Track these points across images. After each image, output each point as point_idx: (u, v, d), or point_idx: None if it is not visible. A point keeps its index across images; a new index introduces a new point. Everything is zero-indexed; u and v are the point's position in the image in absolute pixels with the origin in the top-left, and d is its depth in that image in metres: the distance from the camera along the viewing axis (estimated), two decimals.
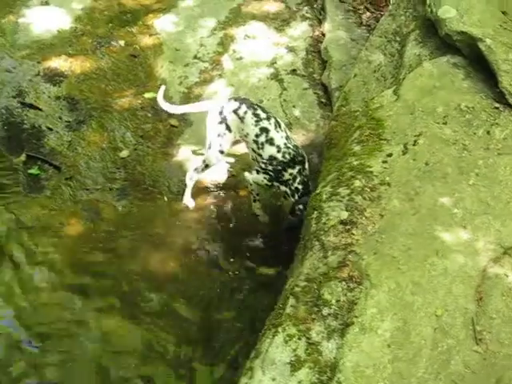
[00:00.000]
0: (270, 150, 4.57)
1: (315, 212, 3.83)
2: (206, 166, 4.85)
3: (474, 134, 4.20)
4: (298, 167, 4.57)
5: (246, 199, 4.99)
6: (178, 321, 4.20)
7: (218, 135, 4.74)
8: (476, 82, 4.54)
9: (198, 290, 4.43)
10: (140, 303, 4.27)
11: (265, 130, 4.59)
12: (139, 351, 4.00)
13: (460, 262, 3.47)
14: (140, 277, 4.44)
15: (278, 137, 4.58)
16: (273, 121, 4.64)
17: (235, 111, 4.68)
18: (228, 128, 4.71)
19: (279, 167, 4.55)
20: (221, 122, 4.72)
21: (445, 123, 4.26)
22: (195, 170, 4.87)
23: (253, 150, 4.70)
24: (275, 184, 4.65)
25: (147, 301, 4.30)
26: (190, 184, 4.91)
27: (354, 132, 4.41)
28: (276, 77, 6.11)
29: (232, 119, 4.69)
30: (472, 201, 3.77)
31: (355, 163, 4.04)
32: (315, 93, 6.03)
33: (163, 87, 5.06)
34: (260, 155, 4.66)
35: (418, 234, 3.58)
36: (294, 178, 4.56)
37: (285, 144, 4.55)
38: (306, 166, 4.65)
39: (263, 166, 4.62)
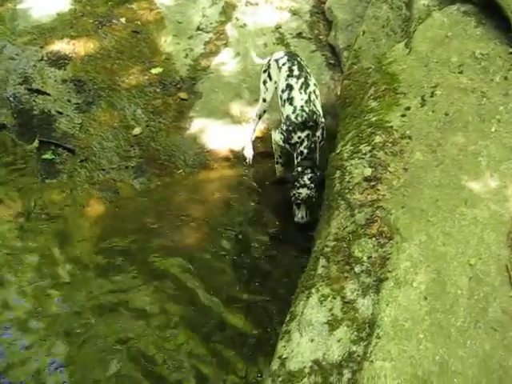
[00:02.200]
0: (288, 110, 4.52)
1: (338, 171, 3.79)
2: (258, 116, 5.01)
3: (492, 80, 4.13)
4: (307, 132, 4.47)
5: (268, 168, 4.96)
6: (206, 292, 4.18)
7: (263, 82, 4.88)
8: (489, 28, 4.46)
9: (221, 262, 4.39)
10: (167, 279, 4.23)
11: (289, 87, 4.56)
12: (171, 324, 3.99)
13: (490, 210, 3.43)
14: (165, 252, 4.40)
15: (298, 98, 4.51)
16: (301, 81, 4.57)
17: (277, 60, 4.75)
18: (269, 76, 4.81)
19: (290, 128, 4.48)
20: (265, 71, 4.87)
21: (461, 72, 4.19)
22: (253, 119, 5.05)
23: (280, 105, 4.67)
24: (286, 146, 4.58)
25: (174, 276, 4.25)
26: (249, 133, 5.06)
27: (368, 89, 4.35)
28: (282, 41, 6.03)
29: (273, 67, 4.78)
30: (496, 147, 3.72)
31: (374, 119, 3.99)
32: (323, 54, 5.95)
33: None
34: (282, 113, 4.64)
35: (445, 185, 3.54)
36: (301, 142, 4.48)
37: (301, 107, 4.47)
38: (319, 133, 4.52)
39: (283, 126, 4.55)
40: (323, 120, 4.55)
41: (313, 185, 4.38)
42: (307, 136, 4.46)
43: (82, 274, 4.30)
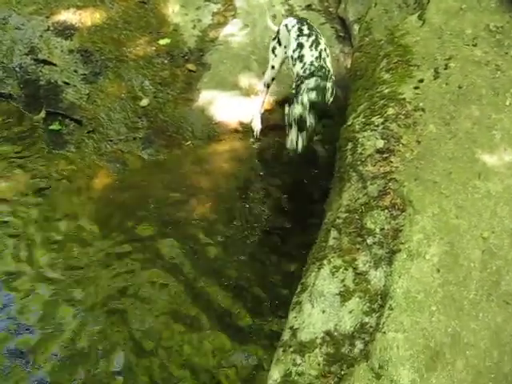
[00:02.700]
0: (298, 67, 4.51)
1: (349, 143, 3.75)
2: (266, 85, 4.96)
3: (506, 53, 4.07)
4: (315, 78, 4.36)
5: (276, 141, 4.93)
6: (217, 262, 4.18)
7: (271, 50, 4.88)
8: (503, 1, 4.38)
9: (230, 233, 4.39)
10: (179, 250, 4.23)
11: (300, 46, 4.56)
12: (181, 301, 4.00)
13: (503, 184, 3.39)
14: (174, 223, 4.39)
15: (309, 55, 4.50)
16: (312, 38, 4.57)
17: (286, 25, 4.75)
18: (279, 41, 4.80)
19: (298, 83, 4.41)
20: (274, 38, 4.85)
21: (475, 45, 4.13)
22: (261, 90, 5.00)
23: (292, 66, 4.64)
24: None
25: (183, 246, 4.24)
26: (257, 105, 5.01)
27: (381, 61, 4.28)
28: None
29: (283, 33, 4.77)
30: (510, 121, 3.67)
31: (386, 91, 3.93)
32: (332, 27, 5.88)
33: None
34: (293, 74, 4.61)
35: (458, 158, 3.50)
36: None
37: (311, 62, 4.45)
38: (329, 84, 4.38)
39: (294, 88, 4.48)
40: (333, 77, 4.50)
41: (310, 108, 4.18)
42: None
43: (87, 246, 4.28)
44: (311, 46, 4.54)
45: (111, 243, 4.31)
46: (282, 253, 4.30)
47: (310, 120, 4.23)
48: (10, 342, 3.66)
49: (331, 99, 4.48)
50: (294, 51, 4.58)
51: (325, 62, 4.49)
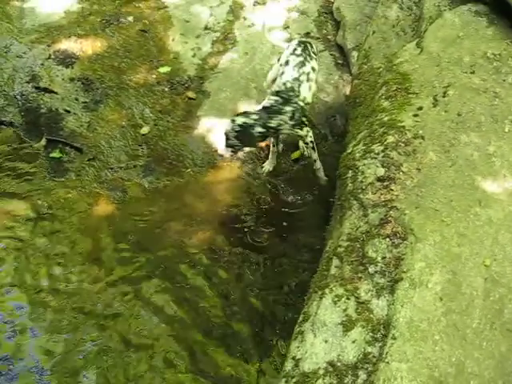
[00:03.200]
0: (276, 83, 4.74)
1: (350, 171, 3.76)
2: None
3: (504, 80, 4.12)
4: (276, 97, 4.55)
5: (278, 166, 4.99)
6: (217, 288, 4.20)
7: (271, 66, 5.06)
8: (501, 28, 4.46)
9: (233, 260, 4.39)
10: (179, 276, 4.23)
11: (286, 63, 4.73)
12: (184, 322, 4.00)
13: (504, 211, 3.42)
14: (176, 250, 4.40)
15: (288, 74, 4.64)
16: (299, 59, 4.70)
17: (289, 44, 4.98)
18: (278, 59, 4.91)
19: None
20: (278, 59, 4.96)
21: (473, 72, 4.18)
22: None
23: None
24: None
25: (186, 273, 4.26)
26: None
27: (380, 88, 4.32)
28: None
29: (284, 51, 4.94)
30: (510, 148, 3.71)
31: (386, 119, 3.96)
32: (331, 54, 5.93)
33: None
34: None
35: (459, 186, 3.52)
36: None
37: (285, 81, 4.61)
38: (288, 108, 4.48)
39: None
40: (300, 104, 4.53)
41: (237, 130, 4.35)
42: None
43: (89, 272, 4.28)
44: (295, 66, 4.66)
45: (109, 271, 4.31)
46: (283, 281, 4.28)
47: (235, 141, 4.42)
48: None
49: (291, 122, 4.50)
50: (281, 65, 4.75)
51: (298, 86, 4.57)
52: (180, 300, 4.12)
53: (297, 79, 4.59)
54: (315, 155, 4.74)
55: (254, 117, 4.39)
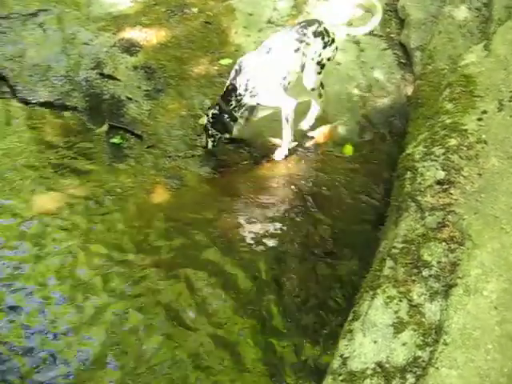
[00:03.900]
0: None
1: (409, 172, 3.73)
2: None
3: None
4: None
5: (330, 159, 4.98)
6: (273, 282, 4.19)
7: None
8: None
9: (279, 255, 4.37)
10: (225, 269, 4.26)
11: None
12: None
13: None
14: (228, 242, 4.42)
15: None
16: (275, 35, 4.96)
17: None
18: None
19: None
20: None
21: None
22: None
23: None
24: None
25: (234, 267, 4.27)
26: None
27: (443, 90, 4.26)
28: (352, 38, 5.94)
29: None
30: None
31: (448, 121, 3.90)
32: (394, 53, 5.87)
33: None
34: None
35: None
36: None
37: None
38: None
39: None
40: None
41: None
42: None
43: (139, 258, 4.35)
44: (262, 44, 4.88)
45: (161, 257, 4.36)
46: (328, 278, 4.26)
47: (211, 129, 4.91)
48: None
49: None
50: None
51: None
52: (228, 291, 4.13)
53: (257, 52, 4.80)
54: (286, 129, 4.91)
55: (217, 107, 4.83)
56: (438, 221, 3.37)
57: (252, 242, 4.44)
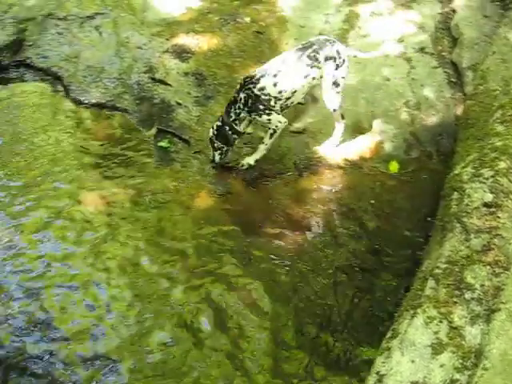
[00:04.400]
0: None
1: (455, 193, 3.70)
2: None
3: None
4: None
5: (375, 174, 4.98)
6: (301, 294, 4.21)
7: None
8: None
9: (318, 267, 4.39)
10: (267, 276, 4.28)
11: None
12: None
13: None
14: (268, 252, 4.45)
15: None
16: (285, 55, 5.01)
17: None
18: None
19: None
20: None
21: None
22: None
23: None
24: None
25: (275, 274, 4.30)
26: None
27: (494, 112, 4.22)
28: (404, 55, 5.95)
29: None
30: None
31: (499, 144, 3.87)
32: (445, 72, 5.83)
33: None
34: None
35: None
36: None
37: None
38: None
39: None
40: (255, 92, 4.79)
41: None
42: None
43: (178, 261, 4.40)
44: (273, 60, 4.97)
45: (201, 262, 4.41)
46: (369, 294, 4.26)
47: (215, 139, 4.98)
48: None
49: (245, 108, 4.86)
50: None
51: (261, 76, 4.80)
52: (271, 297, 4.15)
53: (264, 70, 4.83)
54: (268, 142, 4.97)
55: (221, 119, 4.92)
56: (483, 243, 3.34)
57: (291, 251, 4.47)
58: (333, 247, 4.55)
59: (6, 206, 4.70)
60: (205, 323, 3.96)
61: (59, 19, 6.52)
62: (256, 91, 4.78)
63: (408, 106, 5.51)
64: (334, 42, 4.95)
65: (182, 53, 6.14)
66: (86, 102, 5.80)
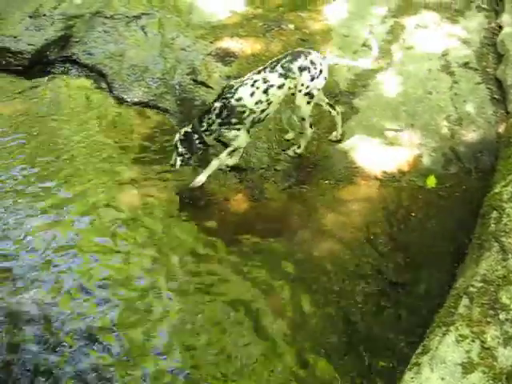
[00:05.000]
0: None
1: (494, 212, 3.67)
2: None
3: None
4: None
5: (411, 188, 4.94)
6: (336, 307, 4.20)
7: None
8: None
9: (351, 279, 4.37)
10: (300, 285, 4.30)
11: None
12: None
13: None
14: (299, 258, 4.47)
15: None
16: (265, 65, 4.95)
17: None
18: None
19: None
20: None
21: None
22: None
23: None
24: None
25: (310, 282, 4.31)
26: None
27: None
28: (447, 69, 5.92)
29: None
30: None
31: None
32: (488, 88, 5.76)
33: None
34: None
35: None
36: None
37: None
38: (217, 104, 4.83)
39: None
40: (232, 103, 4.74)
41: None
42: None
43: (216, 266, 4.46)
44: (254, 71, 4.91)
45: (234, 262, 4.47)
46: (402, 308, 4.23)
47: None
48: None
49: (218, 119, 4.80)
50: None
51: (239, 86, 4.78)
52: (298, 303, 4.17)
53: (241, 80, 4.81)
54: (223, 159, 4.93)
55: (191, 125, 4.85)
56: None
57: (322, 260, 4.47)
58: (365, 258, 4.52)
59: (42, 199, 4.84)
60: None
61: (106, 17, 6.66)
62: (233, 101, 4.75)
63: (449, 121, 5.46)
64: (309, 52, 4.93)
65: (225, 56, 6.20)
66: (129, 100, 5.91)
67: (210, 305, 4.16)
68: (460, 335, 3.14)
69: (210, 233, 4.69)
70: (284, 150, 5.24)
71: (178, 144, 4.88)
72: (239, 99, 4.74)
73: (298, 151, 5.18)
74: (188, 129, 4.88)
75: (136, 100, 5.90)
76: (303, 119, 5.03)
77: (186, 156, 4.91)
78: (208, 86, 5.89)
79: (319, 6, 6.76)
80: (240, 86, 4.79)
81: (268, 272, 4.37)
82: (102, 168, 5.24)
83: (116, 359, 3.81)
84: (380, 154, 5.15)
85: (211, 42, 6.37)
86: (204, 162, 5.09)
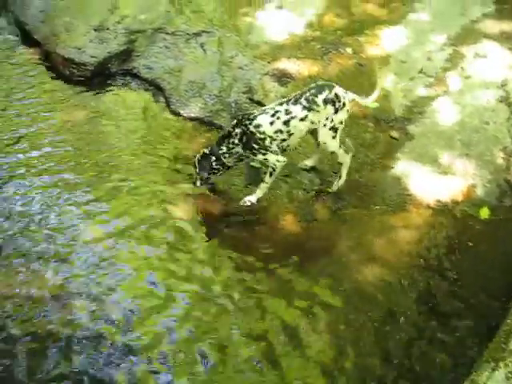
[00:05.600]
0: None
1: None
2: None
3: None
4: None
5: (464, 218, 4.90)
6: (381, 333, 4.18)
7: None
8: None
9: (399, 306, 4.36)
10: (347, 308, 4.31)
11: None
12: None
13: None
14: (346, 284, 4.48)
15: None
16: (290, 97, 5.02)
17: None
18: None
19: None
20: None
21: None
22: None
23: None
24: None
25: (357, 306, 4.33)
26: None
27: None
28: (506, 100, 5.85)
29: None
30: None
31: None
32: None
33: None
34: None
35: None
36: None
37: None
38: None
39: None
40: (251, 129, 4.84)
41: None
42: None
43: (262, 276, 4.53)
44: (277, 101, 5.10)
45: (277, 285, 4.50)
46: (448, 338, 4.17)
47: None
48: None
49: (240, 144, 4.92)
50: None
51: (259, 114, 4.90)
52: (342, 327, 4.19)
53: (264, 109, 4.94)
54: (269, 181, 5.00)
55: (210, 148, 5.00)
56: None
57: (370, 285, 4.47)
58: (412, 287, 4.50)
59: (92, 214, 4.96)
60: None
61: (167, 34, 6.80)
62: (251, 128, 4.84)
63: (505, 152, 5.40)
64: (332, 86, 4.92)
65: (281, 77, 6.27)
66: (185, 114, 6.03)
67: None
68: (510, 372, 3.08)
69: (257, 248, 4.75)
70: (335, 173, 5.25)
71: (196, 164, 5.06)
72: (257, 126, 4.85)
73: (340, 183, 5.17)
74: (206, 151, 5.04)
75: (192, 115, 6.01)
76: (333, 153, 5.05)
77: (205, 177, 5.07)
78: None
79: (377, 31, 6.77)
80: (259, 114, 4.90)
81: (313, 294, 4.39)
82: (155, 180, 5.33)
83: None
84: (433, 182, 5.12)
85: (269, 62, 6.44)
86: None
